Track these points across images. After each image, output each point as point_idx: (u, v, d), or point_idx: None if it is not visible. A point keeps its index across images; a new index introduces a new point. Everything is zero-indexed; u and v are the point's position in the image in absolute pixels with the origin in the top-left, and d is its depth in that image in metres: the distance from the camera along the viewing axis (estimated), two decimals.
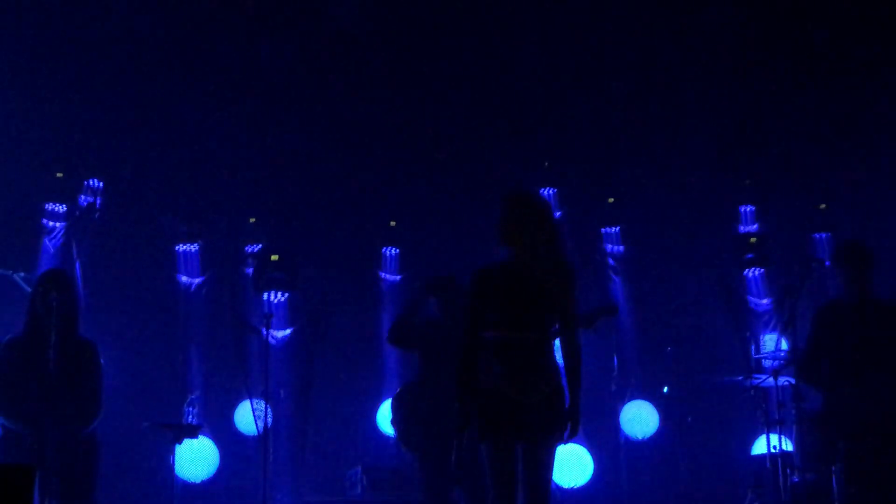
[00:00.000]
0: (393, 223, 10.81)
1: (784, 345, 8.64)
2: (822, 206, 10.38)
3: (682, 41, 9.66)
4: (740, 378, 8.33)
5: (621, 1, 9.35)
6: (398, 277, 10.79)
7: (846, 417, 6.76)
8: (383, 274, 10.80)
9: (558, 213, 10.85)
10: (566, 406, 5.25)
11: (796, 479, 7.77)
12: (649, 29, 9.65)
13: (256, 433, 8.80)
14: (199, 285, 10.22)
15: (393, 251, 10.84)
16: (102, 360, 6.70)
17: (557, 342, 5.49)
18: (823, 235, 10.25)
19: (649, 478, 9.97)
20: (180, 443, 7.55)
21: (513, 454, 5.18)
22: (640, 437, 10.16)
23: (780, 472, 7.78)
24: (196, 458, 9.33)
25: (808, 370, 6.92)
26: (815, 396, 7.40)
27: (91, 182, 9.87)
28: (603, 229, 10.91)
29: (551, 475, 5.27)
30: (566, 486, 9.76)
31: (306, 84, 9.54)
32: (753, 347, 10.00)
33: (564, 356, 5.35)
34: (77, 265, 9.41)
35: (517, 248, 5.31)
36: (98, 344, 6.70)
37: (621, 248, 10.85)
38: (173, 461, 7.58)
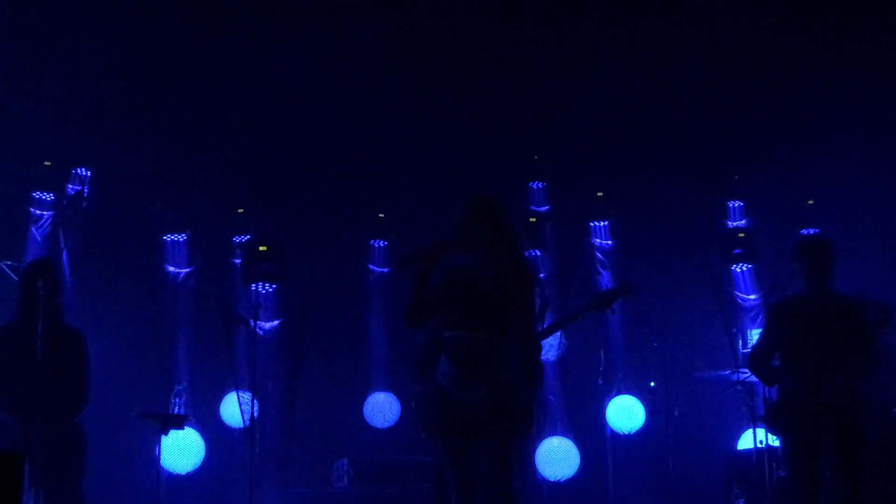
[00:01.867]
0: (381, 215, 10.80)
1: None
2: (810, 202, 10.41)
3: (671, 36, 9.68)
4: (727, 373, 8.36)
5: None
6: (386, 270, 10.79)
7: (792, 410, 6.71)
8: (372, 266, 10.79)
9: (546, 207, 10.87)
10: (516, 404, 5.24)
11: (781, 474, 7.80)
12: (638, 23, 9.66)
13: (243, 425, 8.80)
14: (187, 275, 10.19)
15: (381, 243, 10.83)
16: (90, 350, 6.67)
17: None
18: (811, 231, 10.27)
19: (636, 472, 9.99)
20: (166, 433, 7.52)
21: (465, 452, 5.23)
22: (626, 432, 10.18)
23: (766, 467, 7.82)
24: (182, 449, 9.32)
25: (757, 364, 6.90)
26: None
27: (79, 171, 9.83)
28: (591, 223, 10.91)
29: (510, 473, 5.22)
30: (553, 479, 9.78)
31: (296, 75, 9.50)
32: (740, 342, 10.02)
33: (518, 355, 5.34)
34: (64, 254, 9.37)
35: (476, 250, 5.35)
36: (85, 333, 6.68)
37: (609, 242, 10.87)
38: (159, 452, 7.56)
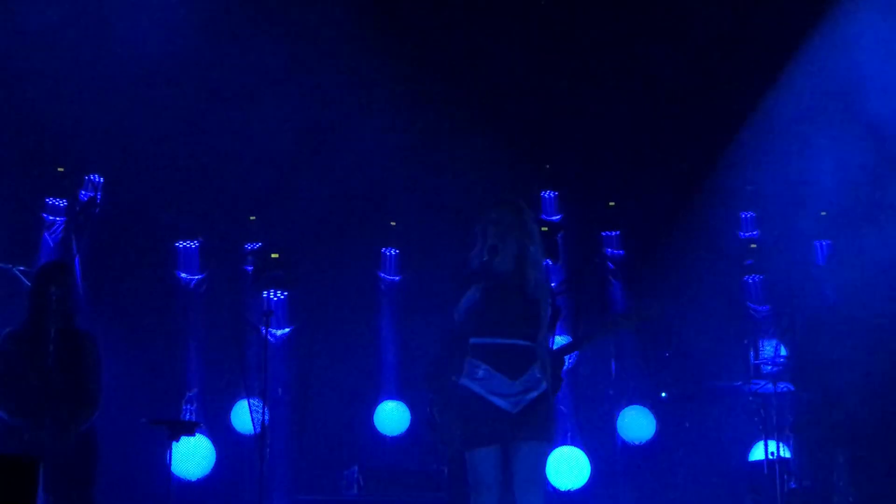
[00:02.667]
0: (393, 223, 10.81)
1: (783, 351, 8.65)
2: (823, 213, 10.37)
3: (684, 46, 9.67)
4: (739, 384, 8.34)
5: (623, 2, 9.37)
6: (397, 278, 10.79)
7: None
8: (383, 274, 10.79)
9: (559, 217, 10.86)
10: (552, 411, 5.34)
11: (793, 486, 7.79)
12: (649, 34, 9.65)
13: (253, 432, 8.79)
14: (199, 282, 10.20)
15: (392, 251, 10.83)
16: (101, 354, 6.68)
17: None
18: (825, 242, 10.24)
19: (646, 483, 9.96)
20: (177, 440, 7.51)
21: (500, 458, 5.23)
22: (637, 442, 10.16)
23: (778, 479, 7.80)
24: (192, 455, 9.32)
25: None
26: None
27: (92, 177, 9.85)
28: (603, 233, 10.90)
29: (544, 478, 5.45)
30: (563, 490, 9.76)
31: (306, 82, 9.51)
32: (752, 353, 9.99)
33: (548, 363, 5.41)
34: (76, 260, 9.38)
35: (504, 255, 5.32)
36: (96, 337, 6.68)
37: (621, 252, 10.85)
38: (170, 458, 7.55)
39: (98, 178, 9.89)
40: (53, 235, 9.71)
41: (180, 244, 10.18)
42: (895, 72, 8.97)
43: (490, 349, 5.25)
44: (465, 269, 5.48)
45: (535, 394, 5.24)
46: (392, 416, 10.29)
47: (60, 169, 9.81)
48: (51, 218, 9.77)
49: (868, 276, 7.45)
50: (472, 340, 5.32)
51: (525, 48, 9.80)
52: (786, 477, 7.90)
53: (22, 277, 7.76)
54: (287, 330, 10.31)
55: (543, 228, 10.44)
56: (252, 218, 10.37)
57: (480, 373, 5.22)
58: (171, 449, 7.52)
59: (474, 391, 5.22)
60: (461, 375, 5.35)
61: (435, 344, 9.75)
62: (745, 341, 10.19)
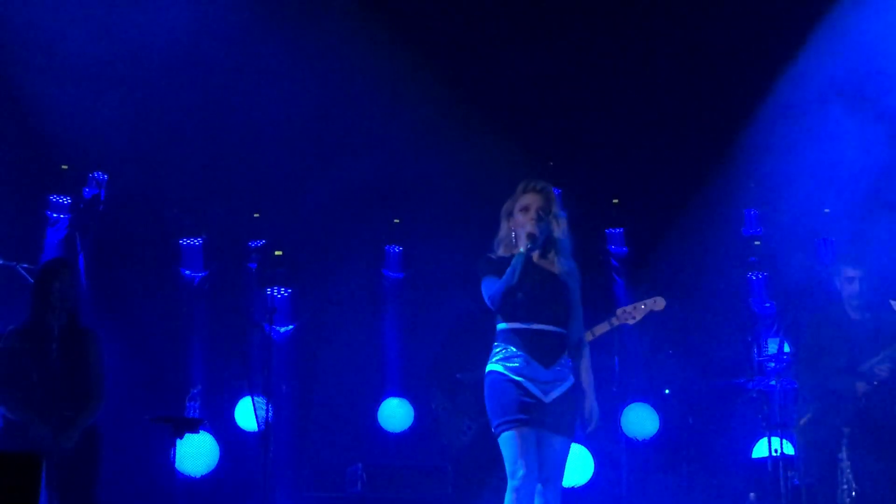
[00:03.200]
0: (396, 221, 10.81)
1: (787, 348, 8.65)
2: (826, 210, 10.36)
3: (688, 42, 9.66)
4: (742, 380, 8.35)
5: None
6: (401, 275, 10.79)
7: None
8: (386, 271, 10.80)
9: (562, 214, 10.85)
10: (580, 405, 5.37)
11: (797, 483, 7.79)
12: (653, 29, 9.64)
13: (257, 429, 8.79)
14: (203, 279, 10.21)
15: (396, 249, 10.84)
16: (104, 351, 6.69)
17: None
18: (829, 240, 10.23)
19: (650, 479, 9.95)
20: (181, 437, 7.52)
21: (533, 443, 5.20)
22: (640, 439, 10.15)
23: (781, 475, 7.80)
24: (197, 452, 9.32)
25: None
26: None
27: (96, 174, 9.85)
28: (607, 230, 10.90)
29: (564, 471, 5.36)
30: (566, 486, 9.75)
31: (310, 79, 9.51)
32: (756, 350, 9.98)
33: (578, 350, 5.42)
34: (80, 257, 9.41)
35: (536, 237, 5.31)
36: (99, 334, 6.70)
37: (625, 249, 10.85)
38: (174, 455, 7.56)
39: (102, 176, 9.89)
40: (57, 233, 9.72)
41: (184, 241, 10.18)
42: None
43: (524, 335, 5.24)
44: (491, 253, 5.48)
45: (565, 386, 5.27)
46: (396, 413, 10.29)
47: (64, 167, 9.81)
48: (55, 215, 9.77)
49: (871, 274, 7.46)
50: (503, 325, 5.32)
51: (529, 44, 9.79)
52: (790, 474, 7.90)
53: (25, 275, 7.77)
54: (291, 327, 10.31)
55: None
56: (256, 215, 10.37)
57: (515, 358, 5.22)
58: (174, 446, 7.53)
59: (509, 376, 5.22)
60: (490, 361, 5.32)
61: (438, 341, 9.81)
62: (749, 338, 10.19)
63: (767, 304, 10.48)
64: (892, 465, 7.09)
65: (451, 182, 10.28)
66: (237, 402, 9.88)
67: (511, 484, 5.15)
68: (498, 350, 5.32)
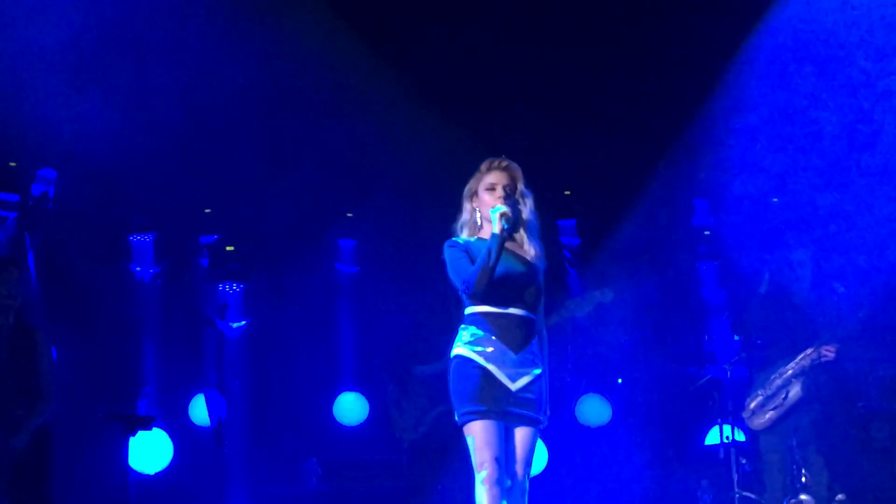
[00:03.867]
0: (350, 214, 10.79)
1: (736, 337, 8.74)
2: (774, 199, 10.47)
3: (633, 31, 9.69)
4: (693, 369, 8.43)
5: None
6: (355, 269, 10.78)
7: None
8: (339, 266, 10.78)
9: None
10: (546, 399, 5.13)
11: (748, 469, 7.89)
12: (598, 19, 9.67)
13: (211, 425, 8.76)
14: (154, 276, 10.15)
15: (350, 243, 10.81)
16: (54, 350, 6.64)
17: None
18: (777, 228, 10.33)
19: (603, 468, 10.03)
20: (134, 434, 7.48)
21: (503, 432, 4.99)
22: (594, 427, 10.22)
23: (733, 462, 7.89)
24: (149, 450, 9.27)
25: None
26: None
27: (44, 171, 9.75)
28: (559, 221, 10.93)
29: (531, 462, 5.13)
30: None
31: (260, 71, 9.45)
32: (706, 339, 10.09)
33: (543, 338, 5.21)
34: (30, 255, 9.31)
35: (510, 216, 5.09)
36: (50, 334, 6.65)
37: (577, 240, 10.90)
38: (126, 453, 7.52)
39: (51, 173, 9.79)
40: (6, 231, 9.61)
41: (134, 238, 10.10)
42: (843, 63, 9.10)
43: (496, 319, 5.02)
44: (456, 237, 5.26)
45: (533, 373, 5.04)
46: (351, 407, 10.29)
47: (12, 164, 9.70)
48: (2, 213, 9.66)
49: (817, 259, 7.58)
50: (474, 309, 5.08)
51: (480, 33, 9.76)
52: (742, 460, 7.99)
53: None
54: (243, 323, 10.27)
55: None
56: (207, 210, 10.31)
57: (485, 342, 5.00)
58: (127, 444, 7.48)
59: (477, 362, 4.99)
60: (457, 344, 5.09)
61: (393, 335, 9.81)
62: (700, 327, 10.31)
63: (718, 293, 10.57)
64: (839, 448, 7.20)
65: (404, 175, 10.28)
66: (190, 399, 9.84)
67: (479, 476, 4.92)
68: (467, 333, 5.09)
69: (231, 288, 10.05)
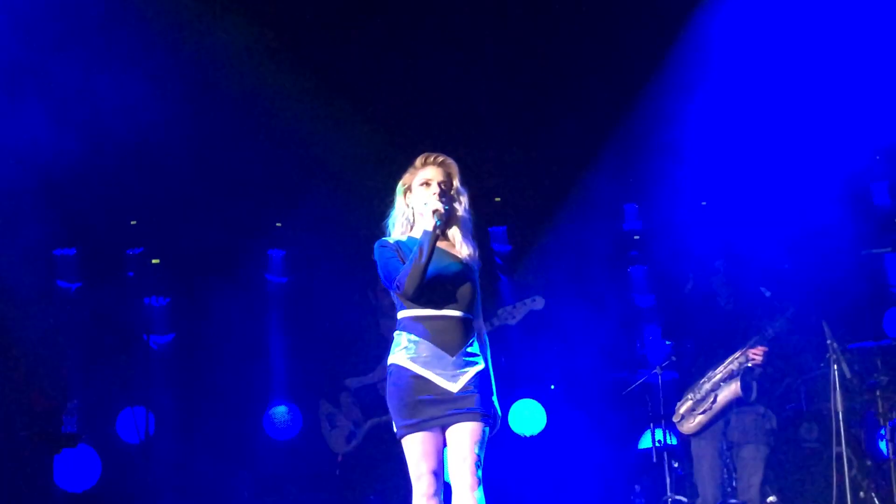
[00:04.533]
0: (279, 224, 10.69)
1: (667, 342, 8.80)
2: (703, 202, 10.57)
3: (561, 37, 9.72)
4: (625, 373, 8.46)
5: None
6: (284, 279, 10.68)
7: None
8: (269, 276, 10.67)
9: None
10: (491, 391, 4.91)
11: (681, 472, 7.94)
12: (526, 26, 9.69)
13: (138, 441, 8.63)
14: (78, 290, 9.96)
15: (279, 253, 10.71)
16: None
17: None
18: (703, 232, 10.43)
19: (538, 474, 10.03)
20: (59, 452, 7.35)
21: (440, 442, 4.79)
22: (527, 435, 10.22)
23: (666, 465, 7.93)
24: (76, 467, 9.11)
25: None
26: None
27: None
28: (490, 228, 10.93)
29: (481, 460, 4.86)
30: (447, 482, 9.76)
31: (185, 81, 9.32)
32: (638, 343, 10.14)
33: (482, 338, 5.01)
34: None
35: (442, 213, 4.87)
36: None
37: (508, 246, 10.90)
38: (53, 471, 7.37)
39: None
40: None
41: (58, 251, 9.91)
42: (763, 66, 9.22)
43: (430, 322, 4.81)
44: (386, 236, 5.05)
45: (474, 370, 4.81)
46: (282, 420, 10.18)
47: None
48: None
49: (741, 264, 7.67)
50: (406, 313, 4.88)
51: (406, 41, 9.73)
52: (674, 464, 8.03)
53: None
54: (170, 336, 10.12)
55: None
56: (133, 222, 10.15)
57: (419, 348, 4.78)
58: (53, 461, 7.35)
59: (413, 371, 4.76)
60: (392, 352, 4.87)
61: (324, 346, 9.73)
62: (631, 331, 10.35)
63: (648, 297, 10.63)
64: (769, 451, 7.27)
65: (333, 184, 10.20)
66: (118, 415, 9.68)
67: (417, 490, 4.76)
68: (400, 340, 4.87)
69: (157, 301, 9.89)
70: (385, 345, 10.16)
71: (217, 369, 10.01)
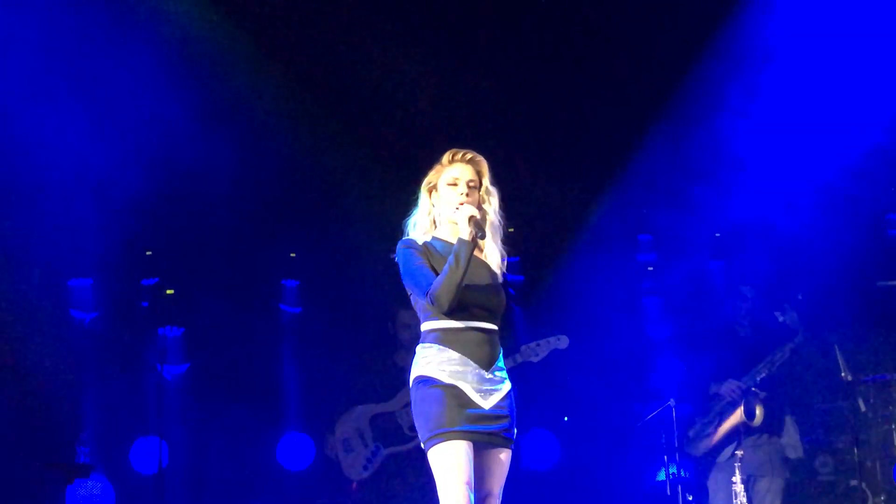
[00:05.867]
0: (293, 255, 10.70)
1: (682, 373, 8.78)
2: (717, 234, 10.55)
3: (576, 63, 9.74)
4: (639, 405, 8.44)
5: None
6: (298, 310, 10.68)
7: None
8: (283, 306, 10.68)
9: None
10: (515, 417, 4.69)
11: None
12: (540, 50, 9.71)
13: (152, 472, 8.63)
14: (93, 320, 9.98)
15: (293, 283, 10.72)
16: None
17: None
18: (719, 263, 10.40)
19: None
20: (72, 483, 7.35)
21: (472, 459, 4.49)
22: (541, 468, 10.18)
23: (680, 498, 7.89)
24: (89, 499, 9.10)
25: None
26: None
27: None
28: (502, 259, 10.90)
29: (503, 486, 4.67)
30: None
31: (196, 110, 9.36)
32: (652, 376, 10.10)
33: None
34: None
35: (479, 222, 4.61)
36: None
37: (521, 277, 10.88)
38: (65, 501, 7.37)
39: None
40: None
41: (73, 282, 9.94)
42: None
43: (462, 335, 4.53)
44: (410, 238, 4.80)
45: (505, 388, 4.58)
46: (296, 450, 10.17)
47: None
48: None
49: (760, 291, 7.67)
50: (436, 325, 4.59)
51: (418, 68, 9.74)
52: (689, 497, 7.99)
53: None
54: (185, 367, 10.12)
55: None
56: (148, 253, 10.18)
57: (452, 361, 4.50)
58: (66, 493, 7.35)
59: (443, 382, 4.48)
60: (418, 365, 4.60)
61: (337, 375, 9.72)
62: (645, 363, 10.31)
63: (663, 329, 10.58)
64: (784, 483, 7.25)
65: (348, 214, 10.23)
66: (131, 445, 9.69)
67: (447, 501, 4.40)
68: (430, 352, 4.58)
69: (171, 332, 9.90)
70: (402, 375, 10.18)
71: (231, 399, 9.99)
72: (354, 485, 9.58)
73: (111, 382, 9.70)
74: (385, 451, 9.41)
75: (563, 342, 7.97)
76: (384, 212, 9.74)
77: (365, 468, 9.52)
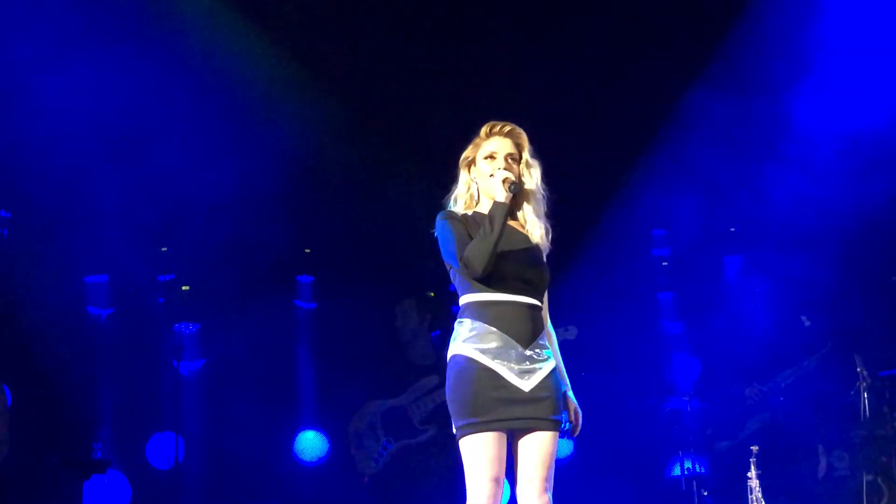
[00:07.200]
0: (307, 250, 10.72)
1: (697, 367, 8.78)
2: (732, 229, 10.51)
3: (591, 56, 9.73)
4: (654, 400, 8.43)
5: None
6: (313, 305, 10.70)
7: None
8: (298, 302, 10.70)
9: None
10: (562, 395, 4.52)
11: (710, 501, 7.89)
12: (558, 46, 9.71)
13: (168, 467, 8.67)
14: (109, 316, 10.02)
15: (307, 279, 10.74)
16: (8, 392, 6.54)
17: None
18: (736, 257, 10.37)
19: (565, 501, 9.95)
20: (88, 479, 7.39)
21: (506, 445, 4.36)
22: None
23: (695, 494, 7.90)
24: (106, 494, 9.15)
25: None
26: None
27: None
28: None
29: (552, 472, 4.54)
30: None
31: (211, 107, 9.39)
32: (667, 370, 10.09)
33: (548, 330, 4.58)
34: None
35: (514, 182, 4.51)
36: (2, 377, 6.54)
37: None
38: (82, 497, 7.41)
39: (4, 213, 9.67)
40: None
41: (89, 278, 9.98)
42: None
43: (501, 308, 4.35)
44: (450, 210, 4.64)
45: (547, 369, 4.38)
46: (311, 445, 10.20)
47: None
48: None
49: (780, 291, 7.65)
50: (473, 297, 4.40)
51: (434, 67, 9.76)
52: (703, 492, 7.99)
53: None
54: (200, 363, 10.16)
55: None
56: (164, 249, 10.21)
57: (489, 337, 4.32)
58: (82, 488, 7.39)
59: (480, 363, 4.30)
60: (456, 341, 4.40)
61: (352, 370, 9.75)
62: (660, 358, 10.30)
63: (677, 324, 10.57)
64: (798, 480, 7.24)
65: (362, 210, 10.24)
66: (148, 441, 9.73)
67: (474, 498, 4.27)
68: (466, 328, 4.39)
69: (187, 328, 9.93)
70: (413, 370, 10.21)
71: (246, 395, 10.03)
72: (366, 479, 9.61)
73: (127, 378, 9.75)
74: (395, 445, 9.44)
75: (571, 333, 7.96)
76: (400, 207, 9.80)
77: (376, 462, 9.56)
